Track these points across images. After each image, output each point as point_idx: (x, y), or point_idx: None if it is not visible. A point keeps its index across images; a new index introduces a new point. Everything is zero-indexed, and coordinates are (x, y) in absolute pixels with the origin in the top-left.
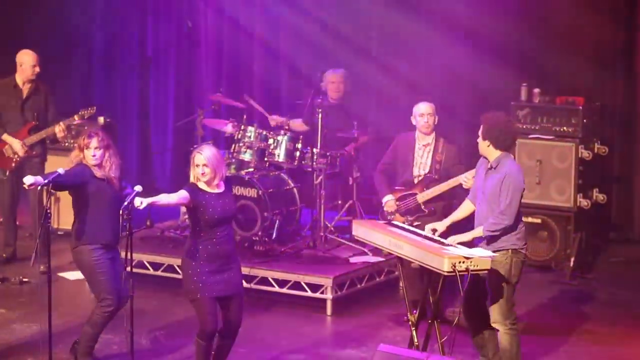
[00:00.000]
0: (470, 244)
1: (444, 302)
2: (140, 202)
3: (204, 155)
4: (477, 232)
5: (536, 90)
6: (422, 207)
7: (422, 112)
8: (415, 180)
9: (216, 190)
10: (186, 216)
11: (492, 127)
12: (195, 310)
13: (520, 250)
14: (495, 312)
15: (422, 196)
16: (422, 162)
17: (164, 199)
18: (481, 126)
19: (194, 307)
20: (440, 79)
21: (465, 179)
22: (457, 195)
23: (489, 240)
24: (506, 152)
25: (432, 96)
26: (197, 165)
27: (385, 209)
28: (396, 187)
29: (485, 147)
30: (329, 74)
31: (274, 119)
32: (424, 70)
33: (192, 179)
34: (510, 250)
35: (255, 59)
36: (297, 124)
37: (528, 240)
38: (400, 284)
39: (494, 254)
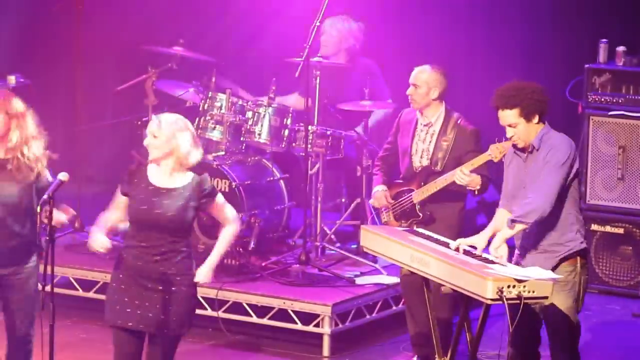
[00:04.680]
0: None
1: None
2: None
3: (160, 120)
4: (501, 228)
5: (620, 48)
6: (417, 209)
7: (410, 81)
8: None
9: (165, 182)
10: None
11: (529, 93)
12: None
13: (587, 254)
14: (558, 354)
15: (418, 194)
16: (424, 148)
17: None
18: (513, 105)
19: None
20: (477, 28)
21: (461, 174)
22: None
23: (541, 240)
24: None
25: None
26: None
27: (371, 202)
28: (396, 181)
29: (525, 125)
30: (325, 22)
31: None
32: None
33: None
34: (578, 260)
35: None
36: (291, 101)
37: (605, 257)
38: None
39: (559, 276)
